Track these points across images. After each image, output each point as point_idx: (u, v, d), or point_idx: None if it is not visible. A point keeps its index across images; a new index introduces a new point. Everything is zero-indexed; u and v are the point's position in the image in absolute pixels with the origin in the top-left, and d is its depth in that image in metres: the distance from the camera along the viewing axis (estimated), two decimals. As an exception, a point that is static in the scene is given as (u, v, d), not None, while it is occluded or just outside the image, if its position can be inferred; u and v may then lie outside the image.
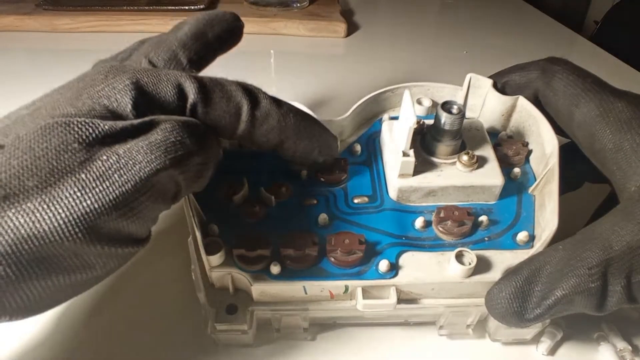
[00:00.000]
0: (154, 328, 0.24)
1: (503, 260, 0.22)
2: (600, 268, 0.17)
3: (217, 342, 0.23)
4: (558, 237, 0.21)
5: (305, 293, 0.22)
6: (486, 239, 0.23)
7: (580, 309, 0.18)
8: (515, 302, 0.18)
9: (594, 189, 0.32)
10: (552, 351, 0.24)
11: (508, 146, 0.25)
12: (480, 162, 0.24)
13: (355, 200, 0.24)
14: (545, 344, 0.24)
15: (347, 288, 0.21)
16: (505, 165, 0.25)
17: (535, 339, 0.24)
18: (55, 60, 0.45)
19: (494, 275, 0.21)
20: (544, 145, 0.24)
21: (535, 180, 0.24)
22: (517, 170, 0.25)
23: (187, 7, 0.49)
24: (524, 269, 0.19)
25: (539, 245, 0.21)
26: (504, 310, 0.19)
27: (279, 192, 0.24)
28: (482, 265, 0.21)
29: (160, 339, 0.24)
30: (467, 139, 0.25)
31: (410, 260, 0.22)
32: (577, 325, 0.25)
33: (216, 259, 0.21)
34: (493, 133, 0.26)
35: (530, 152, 0.25)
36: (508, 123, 0.27)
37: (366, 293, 0.21)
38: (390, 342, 0.24)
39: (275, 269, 0.21)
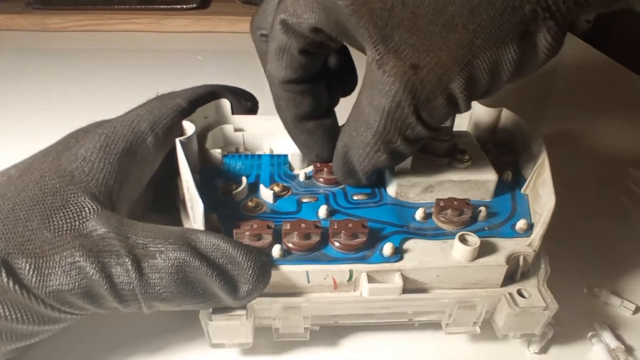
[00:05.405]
0: (145, 326, 0.23)
1: (505, 246, 0.22)
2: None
3: (213, 344, 0.21)
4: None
5: (308, 281, 0.21)
6: (486, 228, 0.23)
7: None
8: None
9: (592, 190, 0.33)
10: (544, 349, 0.23)
11: (497, 154, 0.26)
12: (473, 161, 0.25)
13: (355, 197, 0.24)
14: (536, 342, 0.23)
15: (351, 274, 0.21)
16: (496, 170, 0.25)
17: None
18: (46, 59, 0.44)
19: (499, 258, 0.21)
20: (532, 148, 0.25)
21: (526, 182, 0.25)
22: (508, 173, 0.26)
23: (178, 6, 0.49)
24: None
25: (539, 227, 0.22)
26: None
27: (278, 192, 0.24)
28: (486, 249, 0.21)
29: (153, 337, 0.22)
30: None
31: (414, 246, 0.22)
32: (570, 325, 0.24)
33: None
34: (481, 144, 0.28)
35: (518, 157, 0.27)
36: (494, 134, 0.28)
37: (371, 280, 0.21)
38: (394, 345, 0.23)
39: (277, 252, 0.20)
